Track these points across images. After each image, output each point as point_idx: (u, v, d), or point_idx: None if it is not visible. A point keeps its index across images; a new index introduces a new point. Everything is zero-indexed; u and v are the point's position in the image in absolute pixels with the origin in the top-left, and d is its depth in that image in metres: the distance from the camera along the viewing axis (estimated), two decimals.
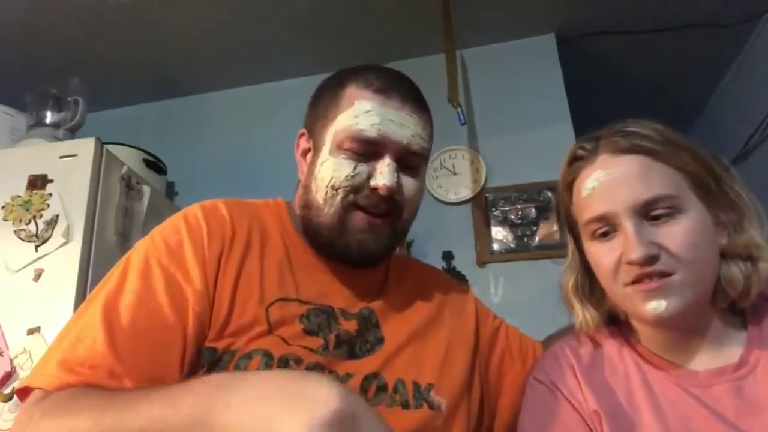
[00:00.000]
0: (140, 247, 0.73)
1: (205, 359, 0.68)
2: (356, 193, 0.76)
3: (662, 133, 0.72)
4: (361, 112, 0.77)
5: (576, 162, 0.76)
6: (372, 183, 0.76)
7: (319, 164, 0.79)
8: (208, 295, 0.70)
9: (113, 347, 0.63)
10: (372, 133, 0.76)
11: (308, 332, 0.74)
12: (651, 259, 0.66)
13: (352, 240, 0.77)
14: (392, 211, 0.79)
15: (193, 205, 0.79)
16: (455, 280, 1.04)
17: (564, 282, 0.81)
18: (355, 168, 0.76)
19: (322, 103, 0.82)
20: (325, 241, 0.79)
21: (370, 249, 0.78)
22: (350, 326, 0.78)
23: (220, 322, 0.70)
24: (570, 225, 0.80)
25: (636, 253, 0.66)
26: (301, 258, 0.81)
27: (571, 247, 0.82)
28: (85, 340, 0.64)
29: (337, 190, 0.76)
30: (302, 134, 0.86)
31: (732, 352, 0.70)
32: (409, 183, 0.79)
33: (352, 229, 0.77)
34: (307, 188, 0.81)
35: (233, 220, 0.77)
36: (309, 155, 0.83)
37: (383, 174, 0.75)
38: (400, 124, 0.77)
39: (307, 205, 0.80)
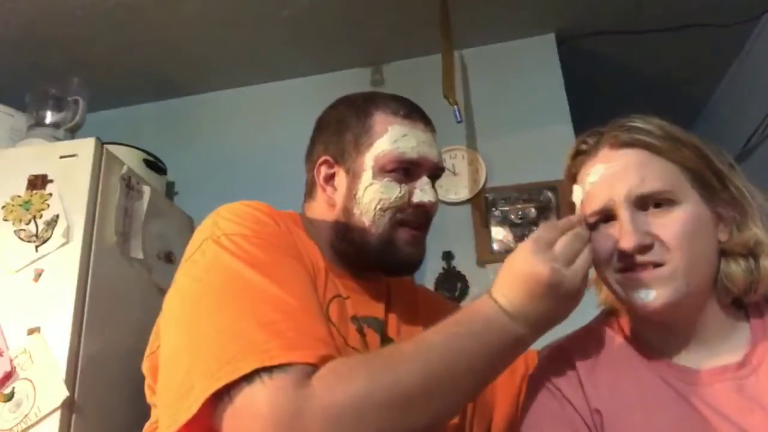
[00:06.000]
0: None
1: None
2: (401, 212, 0.83)
3: (664, 128, 0.72)
4: (398, 137, 0.84)
5: (579, 156, 0.78)
6: (416, 201, 0.84)
7: (361, 188, 0.84)
8: None
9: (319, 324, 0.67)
10: (413, 154, 0.84)
11: (359, 332, 0.81)
12: (644, 249, 0.67)
13: (400, 254, 0.84)
14: (428, 223, 0.88)
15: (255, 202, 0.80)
16: (447, 298, 1.09)
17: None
18: (400, 189, 0.83)
19: (350, 131, 0.87)
20: (372, 258, 0.84)
21: (416, 259, 0.86)
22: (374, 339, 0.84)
23: None
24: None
25: (629, 241, 0.67)
26: (328, 267, 0.84)
27: None
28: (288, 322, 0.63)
29: (385, 211, 0.82)
30: (325, 161, 0.89)
31: (735, 350, 0.70)
32: (436, 196, 0.88)
33: (400, 244, 0.84)
34: (347, 212, 0.85)
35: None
36: (339, 180, 0.87)
37: (426, 192, 0.85)
38: (430, 144, 0.87)
39: (348, 228, 0.84)
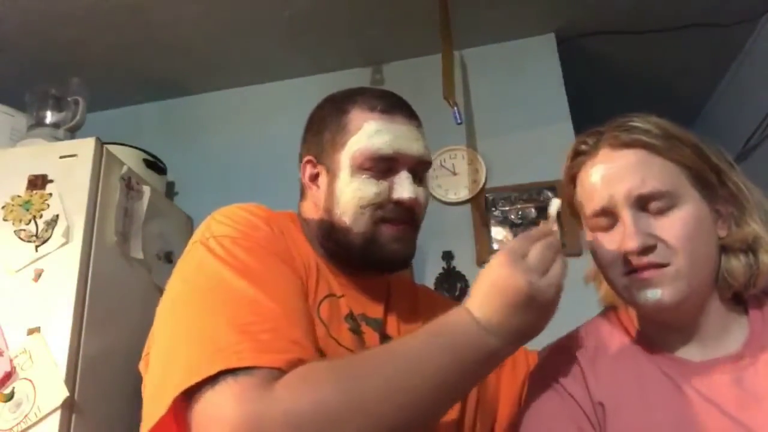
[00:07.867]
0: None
1: None
2: (381, 209, 0.82)
3: (663, 128, 0.73)
4: (372, 133, 0.82)
5: (578, 156, 0.78)
6: (395, 197, 0.82)
7: (340, 187, 0.83)
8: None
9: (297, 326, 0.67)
10: (388, 150, 0.81)
11: (354, 331, 0.80)
12: (648, 249, 0.67)
13: (385, 251, 0.82)
14: (413, 218, 0.85)
15: (249, 205, 0.81)
16: (447, 297, 1.08)
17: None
18: (378, 186, 0.81)
19: (329, 129, 0.86)
20: (357, 256, 0.83)
21: (402, 256, 0.84)
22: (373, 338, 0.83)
23: None
24: (575, 215, 0.81)
25: (633, 243, 0.67)
26: (324, 266, 0.84)
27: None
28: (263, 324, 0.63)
29: (364, 209, 0.81)
30: (308, 161, 0.88)
31: (734, 342, 0.71)
32: (420, 191, 0.85)
33: (383, 241, 0.82)
34: (329, 212, 0.84)
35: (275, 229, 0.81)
36: (321, 180, 0.86)
37: (404, 187, 0.82)
38: (410, 139, 0.84)
39: (332, 227, 0.84)
